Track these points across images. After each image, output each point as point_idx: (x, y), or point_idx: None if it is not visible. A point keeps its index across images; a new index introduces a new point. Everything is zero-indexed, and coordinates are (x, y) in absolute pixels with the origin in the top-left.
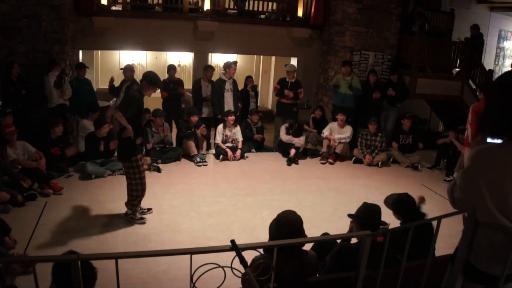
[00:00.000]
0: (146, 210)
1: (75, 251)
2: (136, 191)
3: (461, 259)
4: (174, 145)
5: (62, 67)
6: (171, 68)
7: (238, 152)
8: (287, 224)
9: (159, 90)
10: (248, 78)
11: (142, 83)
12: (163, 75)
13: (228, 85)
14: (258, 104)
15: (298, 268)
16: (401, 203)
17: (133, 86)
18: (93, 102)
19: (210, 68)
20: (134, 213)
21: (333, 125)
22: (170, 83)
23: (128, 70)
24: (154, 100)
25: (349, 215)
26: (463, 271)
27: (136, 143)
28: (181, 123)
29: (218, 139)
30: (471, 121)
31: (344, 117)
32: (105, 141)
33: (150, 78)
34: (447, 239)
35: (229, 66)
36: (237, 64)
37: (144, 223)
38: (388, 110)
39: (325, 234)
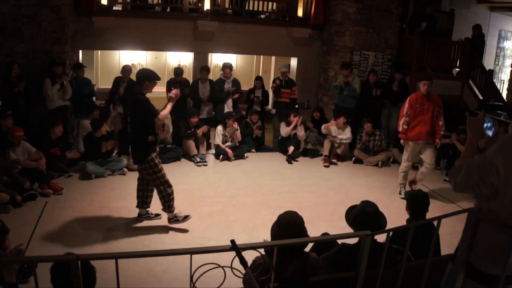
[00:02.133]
0: (153, 215)
1: (73, 253)
2: (165, 190)
3: (461, 259)
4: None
5: (63, 79)
6: (177, 74)
7: (239, 135)
8: (288, 224)
9: (164, 89)
10: (256, 80)
11: (143, 84)
12: (163, 75)
13: (227, 85)
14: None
15: (299, 270)
16: (414, 200)
17: (136, 88)
18: (91, 102)
19: (204, 70)
20: (175, 216)
21: (331, 124)
22: (176, 83)
23: (126, 70)
24: (159, 100)
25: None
26: (471, 276)
27: (148, 141)
28: (181, 123)
29: (218, 140)
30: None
31: (344, 119)
32: (104, 140)
33: (147, 75)
34: (447, 239)
35: (223, 69)
36: (237, 64)
37: (189, 219)
38: (390, 108)
39: (325, 234)
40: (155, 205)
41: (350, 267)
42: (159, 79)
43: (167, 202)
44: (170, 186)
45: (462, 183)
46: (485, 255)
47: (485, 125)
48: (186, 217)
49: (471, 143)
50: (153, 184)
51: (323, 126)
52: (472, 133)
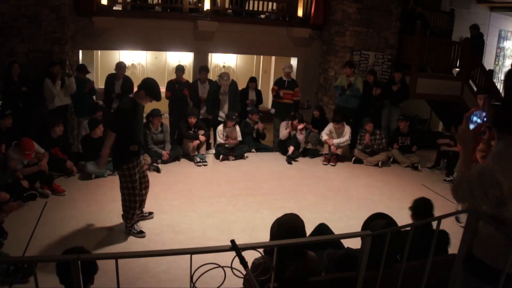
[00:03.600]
0: (147, 214)
1: (81, 246)
2: (129, 201)
3: (461, 259)
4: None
5: (60, 74)
6: (179, 70)
7: (237, 136)
8: (289, 227)
9: (163, 89)
10: (251, 82)
11: (139, 92)
12: (163, 75)
13: (223, 89)
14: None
15: (299, 269)
16: (419, 208)
17: (133, 91)
18: (94, 103)
19: (203, 70)
20: (132, 226)
21: (332, 126)
22: (176, 83)
23: (121, 67)
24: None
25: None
26: (477, 273)
27: (130, 150)
28: (181, 123)
29: (219, 139)
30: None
31: (340, 125)
32: (102, 142)
33: (149, 89)
34: (445, 231)
35: (221, 79)
36: (237, 64)
37: (143, 237)
38: (390, 108)
39: (322, 224)
40: (146, 203)
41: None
42: (156, 99)
43: (127, 214)
44: (135, 202)
45: (467, 198)
46: (495, 251)
47: (473, 120)
48: (140, 232)
49: (465, 156)
50: (121, 190)
51: (324, 139)
52: (463, 146)
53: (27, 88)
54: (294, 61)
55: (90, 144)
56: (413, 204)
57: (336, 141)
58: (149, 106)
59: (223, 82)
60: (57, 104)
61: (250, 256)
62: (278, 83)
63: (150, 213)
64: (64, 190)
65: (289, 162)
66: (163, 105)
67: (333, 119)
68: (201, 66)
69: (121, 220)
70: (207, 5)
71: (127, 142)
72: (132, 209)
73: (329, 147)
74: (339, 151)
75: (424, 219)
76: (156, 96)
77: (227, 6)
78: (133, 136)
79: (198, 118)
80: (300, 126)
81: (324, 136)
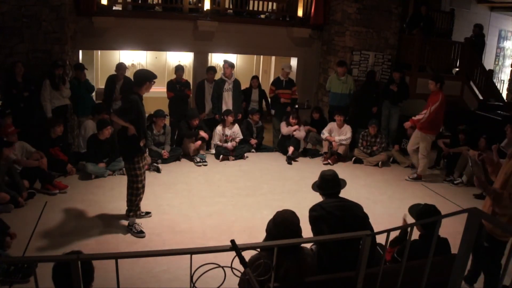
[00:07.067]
0: (144, 214)
1: (78, 250)
2: (136, 195)
3: (461, 259)
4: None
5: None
6: (179, 69)
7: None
8: (282, 223)
9: (165, 90)
10: (253, 79)
11: (144, 85)
12: (163, 75)
13: (227, 85)
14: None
15: (295, 265)
16: (427, 215)
17: (133, 88)
18: (99, 104)
19: (211, 70)
20: (133, 225)
21: (332, 125)
22: (177, 83)
23: (121, 68)
24: (160, 100)
25: None
26: None
27: (140, 145)
28: (182, 123)
29: (217, 140)
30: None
31: (342, 117)
32: (108, 143)
33: (147, 76)
34: (447, 239)
35: (223, 66)
36: (237, 64)
37: (143, 237)
38: (390, 109)
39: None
40: (145, 203)
41: None
42: (156, 77)
43: (131, 207)
44: (139, 194)
45: None
46: None
47: None
48: (140, 232)
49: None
50: (130, 184)
51: (325, 136)
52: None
53: (29, 93)
54: (294, 61)
55: (96, 145)
56: (420, 214)
57: (337, 138)
58: (152, 106)
59: (225, 68)
60: (56, 104)
61: (250, 256)
62: (276, 83)
63: (147, 212)
64: (67, 186)
65: (289, 163)
66: (163, 105)
67: (335, 113)
68: (209, 67)
69: (121, 220)
70: (207, 5)
71: (137, 135)
72: (136, 201)
73: (328, 145)
74: (340, 150)
75: (425, 221)
76: (151, 76)
77: (227, 6)
78: (142, 130)
79: (200, 119)
80: (294, 122)
81: (325, 133)
